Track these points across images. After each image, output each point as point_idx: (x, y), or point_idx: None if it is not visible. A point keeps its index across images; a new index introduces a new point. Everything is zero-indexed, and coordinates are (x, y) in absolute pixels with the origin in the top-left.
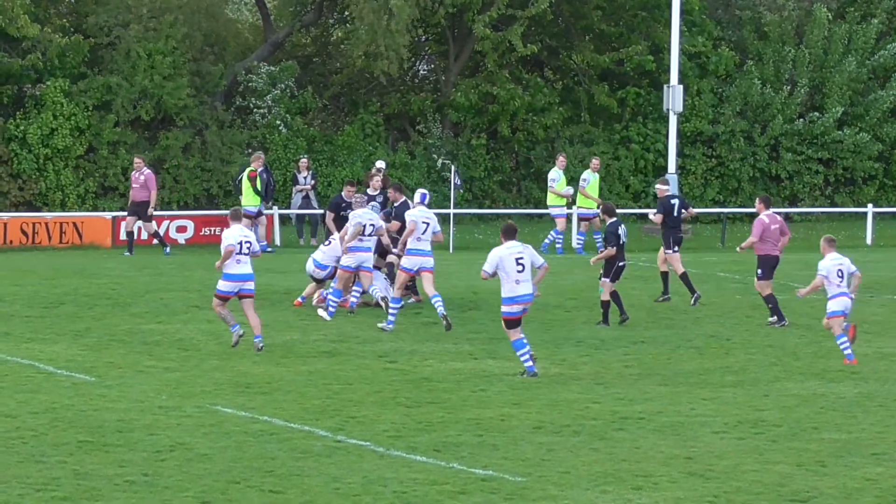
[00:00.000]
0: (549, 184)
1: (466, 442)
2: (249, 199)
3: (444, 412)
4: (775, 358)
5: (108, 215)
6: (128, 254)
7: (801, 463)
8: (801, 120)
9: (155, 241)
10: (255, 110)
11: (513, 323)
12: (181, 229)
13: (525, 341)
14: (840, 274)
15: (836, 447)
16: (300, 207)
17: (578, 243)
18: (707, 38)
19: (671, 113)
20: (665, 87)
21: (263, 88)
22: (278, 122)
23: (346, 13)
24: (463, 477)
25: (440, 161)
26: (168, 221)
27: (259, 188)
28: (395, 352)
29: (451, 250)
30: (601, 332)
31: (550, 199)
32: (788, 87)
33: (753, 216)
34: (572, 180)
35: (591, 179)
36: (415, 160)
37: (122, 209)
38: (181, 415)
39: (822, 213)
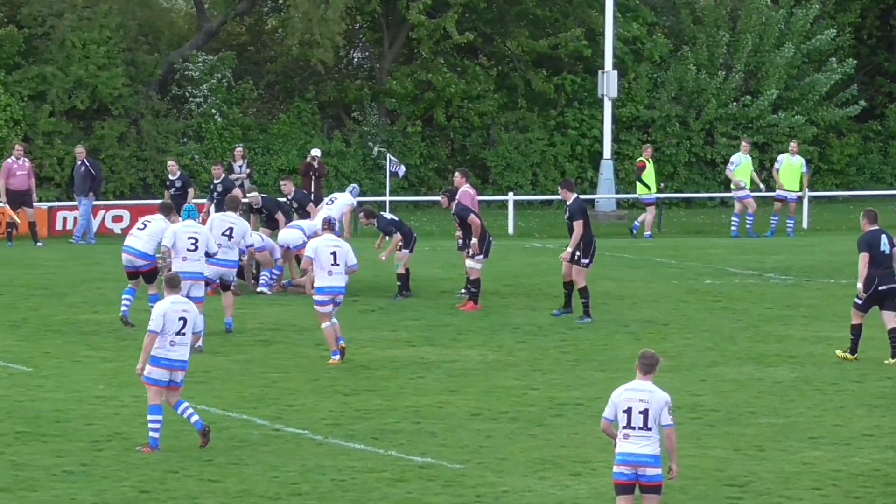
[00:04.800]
0: (728, 167)
1: (404, 429)
2: (641, 190)
3: (381, 400)
4: (712, 343)
5: (44, 205)
6: (10, 244)
7: (739, 447)
8: (735, 104)
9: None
10: (190, 99)
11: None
12: (117, 219)
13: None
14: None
15: (774, 431)
16: None
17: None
18: (642, 23)
19: (606, 98)
20: (600, 72)
21: (200, 77)
22: (213, 111)
23: (281, 1)
24: (401, 464)
25: (376, 149)
26: (104, 211)
27: (644, 179)
28: None
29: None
30: (538, 318)
31: (732, 183)
32: (723, 73)
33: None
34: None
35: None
36: (350, 148)
37: (57, 199)
38: (118, 405)
39: (758, 196)
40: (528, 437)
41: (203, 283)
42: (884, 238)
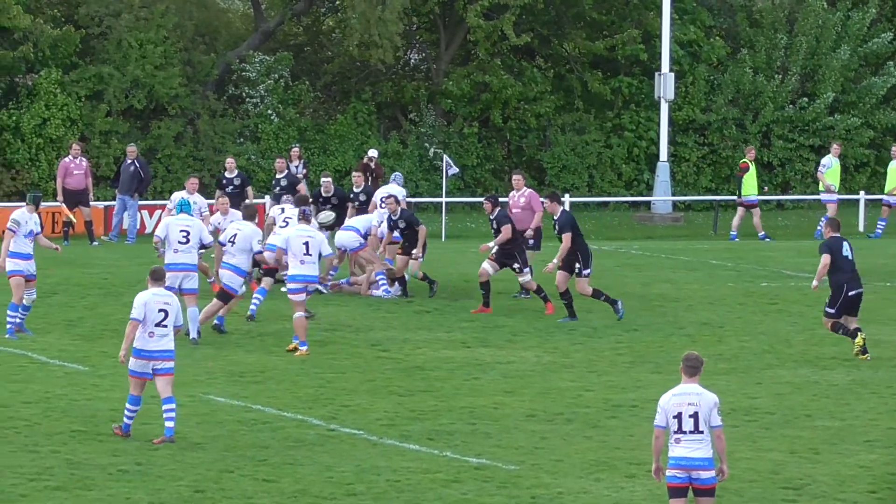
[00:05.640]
0: (819, 169)
1: (459, 430)
2: (748, 189)
3: (436, 401)
4: (768, 345)
5: (101, 205)
6: (66, 243)
7: (795, 450)
8: (792, 106)
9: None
10: (247, 100)
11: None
12: None
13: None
14: None
15: (829, 434)
16: None
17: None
18: (699, 26)
19: (662, 101)
20: (657, 74)
21: (257, 78)
22: (270, 111)
23: (338, 2)
24: (456, 465)
25: (432, 150)
26: (160, 211)
27: (745, 181)
28: (388, 340)
29: (443, 238)
30: (593, 319)
31: (822, 185)
32: (780, 75)
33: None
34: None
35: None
36: (406, 149)
37: (114, 199)
38: None
39: (814, 200)
40: (583, 439)
41: (196, 274)
42: (845, 245)
